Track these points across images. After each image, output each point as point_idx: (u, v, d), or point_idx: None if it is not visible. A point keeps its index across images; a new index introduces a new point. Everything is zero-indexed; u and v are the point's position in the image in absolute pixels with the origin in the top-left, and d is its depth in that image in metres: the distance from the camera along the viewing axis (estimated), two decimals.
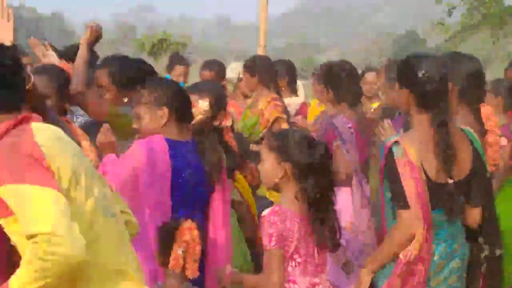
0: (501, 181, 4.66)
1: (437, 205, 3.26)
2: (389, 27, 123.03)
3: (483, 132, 4.00)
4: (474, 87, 3.96)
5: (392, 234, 3.26)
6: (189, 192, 3.37)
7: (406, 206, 3.18)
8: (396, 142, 3.26)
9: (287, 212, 3.04)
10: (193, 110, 3.50)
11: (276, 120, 5.56)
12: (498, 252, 3.56)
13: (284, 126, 5.48)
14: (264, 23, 11.82)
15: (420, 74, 3.31)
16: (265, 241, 3.02)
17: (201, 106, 3.62)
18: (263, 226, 3.04)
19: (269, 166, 3.09)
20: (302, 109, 6.55)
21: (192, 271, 2.90)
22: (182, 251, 2.89)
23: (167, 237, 2.93)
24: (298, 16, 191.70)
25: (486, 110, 4.16)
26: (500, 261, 3.63)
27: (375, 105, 6.31)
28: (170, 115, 3.33)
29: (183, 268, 2.89)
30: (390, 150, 3.26)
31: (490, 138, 4.09)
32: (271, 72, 5.87)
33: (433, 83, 3.31)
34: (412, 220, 3.17)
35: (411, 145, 3.24)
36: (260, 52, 10.82)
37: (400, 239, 3.21)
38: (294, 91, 6.55)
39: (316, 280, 3.11)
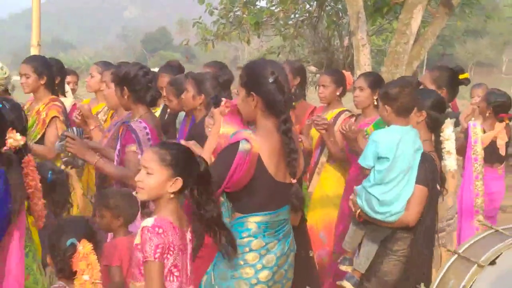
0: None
1: (282, 203, 3.43)
2: (140, 24, 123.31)
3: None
4: None
5: None
6: None
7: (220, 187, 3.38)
8: (247, 140, 3.40)
9: (169, 224, 3.03)
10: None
11: (53, 119, 5.49)
12: (311, 253, 3.92)
13: (60, 126, 5.44)
14: (38, 21, 11.31)
15: (271, 79, 3.42)
16: (148, 251, 2.95)
17: None
18: (145, 236, 2.96)
19: (161, 179, 3.05)
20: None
21: None
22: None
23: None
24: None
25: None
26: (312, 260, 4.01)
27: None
28: None
29: None
30: (237, 142, 3.40)
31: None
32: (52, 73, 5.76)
33: (281, 89, 3.44)
34: None
35: (260, 147, 3.41)
36: (34, 52, 10.44)
37: None
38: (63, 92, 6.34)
39: None
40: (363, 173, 4.09)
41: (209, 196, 3.13)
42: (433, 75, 4.95)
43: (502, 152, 6.38)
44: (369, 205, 3.92)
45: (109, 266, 4.03)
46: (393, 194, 3.87)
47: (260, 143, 3.42)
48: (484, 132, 6.06)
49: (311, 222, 5.10)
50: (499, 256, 2.60)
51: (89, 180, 5.69)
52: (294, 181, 3.52)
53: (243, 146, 3.39)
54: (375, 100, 5.13)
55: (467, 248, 2.75)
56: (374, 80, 5.30)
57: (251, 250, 3.45)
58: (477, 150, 5.88)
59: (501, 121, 6.29)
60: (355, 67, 8.85)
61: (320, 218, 5.41)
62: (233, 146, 3.41)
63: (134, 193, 3.27)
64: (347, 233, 4.21)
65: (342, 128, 4.91)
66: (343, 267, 4.12)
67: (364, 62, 8.72)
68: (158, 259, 2.97)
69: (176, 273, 3.06)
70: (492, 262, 2.60)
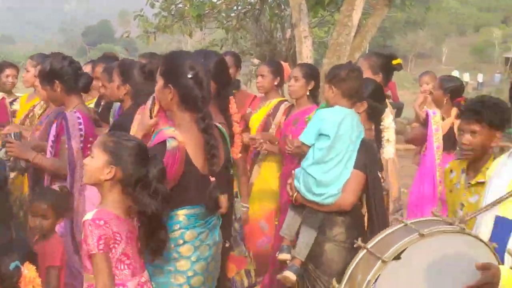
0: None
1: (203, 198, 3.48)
2: (81, 17, 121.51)
3: (230, 124, 4.27)
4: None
5: None
6: None
7: None
8: (173, 138, 3.36)
9: (112, 215, 3.06)
10: None
11: None
12: (227, 244, 3.89)
13: None
14: None
15: (190, 75, 3.37)
16: (91, 244, 2.97)
17: None
18: (87, 230, 2.98)
19: (99, 164, 3.09)
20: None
21: None
22: None
23: None
24: None
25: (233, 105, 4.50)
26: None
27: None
28: None
29: None
30: (163, 142, 3.36)
31: (235, 129, 4.42)
32: None
33: (201, 84, 3.40)
34: None
35: (186, 142, 3.39)
36: None
37: None
38: None
39: (143, 279, 3.19)
40: (302, 153, 4.10)
41: (153, 192, 3.09)
42: (369, 61, 5.06)
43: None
44: (307, 186, 3.93)
45: (49, 267, 3.94)
46: (331, 175, 3.88)
47: (185, 138, 3.40)
48: (443, 119, 6.10)
49: (252, 212, 5.11)
50: (404, 251, 2.59)
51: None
52: (212, 179, 3.50)
53: (170, 144, 3.35)
54: (308, 91, 5.22)
55: (376, 243, 2.74)
56: (309, 71, 5.38)
57: (185, 242, 3.42)
58: (439, 138, 5.96)
59: (457, 106, 6.33)
60: (297, 59, 8.87)
61: (261, 208, 5.42)
62: (160, 146, 3.36)
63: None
64: (285, 219, 4.22)
65: (288, 149, 4.91)
66: (281, 256, 4.12)
67: (306, 54, 8.75)
68: (103, 250, 2.99)
69: (126, 261, 3.10)
70: (397, 257, 2.59)
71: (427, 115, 6.07)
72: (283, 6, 12.71)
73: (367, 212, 4.01)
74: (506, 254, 2.63)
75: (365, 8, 9.32)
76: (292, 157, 5.01)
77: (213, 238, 3.54)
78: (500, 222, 2.71)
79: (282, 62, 6.07)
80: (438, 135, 5.94)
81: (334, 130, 3.89)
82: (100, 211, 3.06)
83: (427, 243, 2.62)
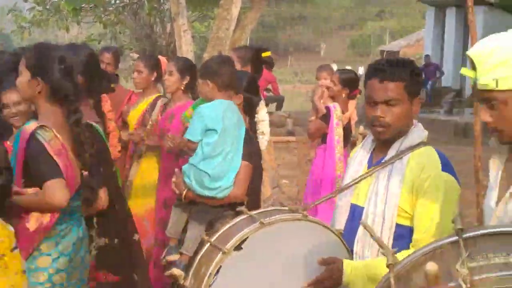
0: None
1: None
2: None
3: (104, 122, 4.16)
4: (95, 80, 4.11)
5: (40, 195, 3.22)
6: None
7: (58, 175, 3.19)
8: (43, 127, 3.21)
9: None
10: None
11: None
12: (115, 241, 3.80)
13: None
14: None
15: (60, 68, 3.25)
16: None
17: None
18: None
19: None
20: None
21: None
22: None
23: None
24: None
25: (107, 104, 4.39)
26: (138, 245, 3.90)
27: None
28: None
29: None
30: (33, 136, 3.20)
31: (110, 127, 4.30)
32: None
33: (72, 77, 3.29)
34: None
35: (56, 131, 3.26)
36: None
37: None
38: None
39: None
40: (188, 150, 4.06)
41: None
42: (239, 53, 5.09)
43: (354, 131, 6.54)
44: (199, 182, 3.90)
45: None
46: (223, 167, 3.87)
47: (54, 129, 3.28)
48: (343, 113, 6.17)
49: (135, 210, 5.03)
50: (244, 240, 2.59)
51: None
52: (85, 172, 3.41)
53: (44, 135, 3.22)
54: (184, 85, 5.18)
55: (219, 235, 2.71)
56: (184, 65, 5.31)
57: (45, 239, 3.30)
58: (340, 132, 6.04)
59: (353, 98, 6.40)
60: (177, 54, 8.82)
61: (143, 206, 5.34)
62: (37, 143, 3.21)
63: None
64: (170, 218, 4.17)
65: (168, 146, 4.82)
66: (170, 257, 4.07)
67: (186, 48, 8.73)
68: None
69: None
70: (238, 248, 2.58)
71: (328, 109, 6.13)
72: (162, 0, 12.61)
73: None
74: (356, 238, 2.68)
75: (244, 2, 9.40)
76: (169, 154, 4.95)
77: (77, 234, 3.43)
78: (353, 209, 2.77)
79: (160, 57, 5.99)
80: (338, 129, 6.05)
81: (219, 124, 3.88)
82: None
83: (269, 232, 2.59)
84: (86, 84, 4.00)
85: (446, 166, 2.64)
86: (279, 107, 16.89)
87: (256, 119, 4.55)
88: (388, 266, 1.60)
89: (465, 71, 2.15)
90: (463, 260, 1.51)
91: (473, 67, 2.10)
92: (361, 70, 49.43)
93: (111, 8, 12.82)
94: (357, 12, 64.02)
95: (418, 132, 2.72)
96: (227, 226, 2.73)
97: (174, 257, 4.07)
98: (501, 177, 2.21)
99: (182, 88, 5.19)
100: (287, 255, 2.63)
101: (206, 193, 3.90)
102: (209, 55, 8.38)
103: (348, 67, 10.77)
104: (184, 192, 3.97)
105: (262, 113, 4.68)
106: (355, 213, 2.75)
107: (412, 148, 2.67)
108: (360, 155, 2.84)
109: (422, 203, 2.58)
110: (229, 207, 3.90)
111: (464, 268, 1.54)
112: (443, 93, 21.76)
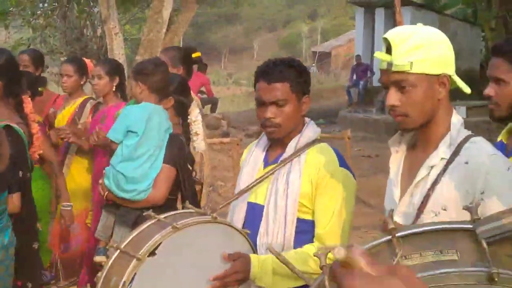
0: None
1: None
2: None
3: (27, 124, 4.07)
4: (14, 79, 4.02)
5: None
6: None
7: None
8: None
9: None
10: None
11: None
12: (36, 245, 3.73)
13: None
14: None
15: None
16: None
17: None
18: None
19: None
20: None
21: None
22: None
23: None
24: None
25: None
26: (35, 254, 3.81)
27: None
28: None
29: None
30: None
31: (34, 129, 4.21)
32: None
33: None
34: None
35: None
36: None
37: None
38: None
39: None
40: (110, 150, 4.04)
41: None
42: (169, 54, 5.06)
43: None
44: (117, 184, 3.88)
45: None
46: (141, 171, 3.86)
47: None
48: None
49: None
50: (158, 246, 2.54)
51: None
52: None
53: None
54: (114, 87, 5.13)
55: (129, 241, 2.63)
56: (112, 67, 5.28)
57: None
58: None
59: None
60: (109, 56, 8.72)
61: (75, 210, 5.27)
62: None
63: None
64: (100, 220, 4.14)
65: (92, 141, 4.75)
66: (97, 258, 4.05)
67: (118, 51, 8.63)
68: None
69: None
70: (152, 253, 2.53)
71: None
72: (91, 3, 12.43)
73: (182, 205, 4.01)
74: (258, 237, 2.71)
75: (176, 5, 9.37)
76: (102, 155, 4.90)
77: (1, 241, 3.36)
78: (252, 207, 2.81)
79: (85, 59, 5.92)
80: None
81: (142, 127, 3.87)
82: None
83: (182, 236, 2.54)
84: (5, 86, 3.92)
85: (342, 162, 2.73)
86: (213, 109, 16.90)
87: (189, 120, 4.55)
88: (321, 268, 1.63)
89: (380, 54, 2.22)
90: (398, 260, 1.54)
91: (388, 51, 2.17)
92: None
93: (39, 12, 12.58)
94: (289, 13, 64.60)
95: (312, 130, 2.79)
96: (136, 232, 2.64)
97: (101, 258, 4.03)
98: (402, 172, 2.29)
99: (114, 89, 5.17)
100: (201, 257, 2.60)
101: (123, 195, 3.88)
102: (141, 57, 8.32)
103: None
104: (106, 194, 3.96)
105: (195, 114, 4.67)
106: (255, 211, 2.79)
107: (308, 145, 2.75)
108: (255, 154, 2.89)
109: (322, 198, 2.66)
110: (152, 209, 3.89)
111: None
112: (375, 92, 22.16)
